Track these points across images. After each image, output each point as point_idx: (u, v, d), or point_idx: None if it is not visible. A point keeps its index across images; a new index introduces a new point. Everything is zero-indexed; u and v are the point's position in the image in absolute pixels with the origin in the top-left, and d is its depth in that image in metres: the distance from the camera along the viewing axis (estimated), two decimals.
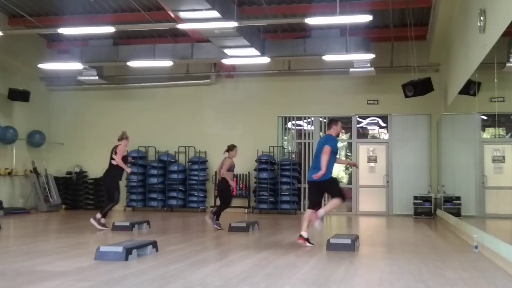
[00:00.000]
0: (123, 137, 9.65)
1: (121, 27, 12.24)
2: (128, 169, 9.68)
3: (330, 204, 7.37)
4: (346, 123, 15.77)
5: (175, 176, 15.09)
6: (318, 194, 7.53)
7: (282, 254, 6.58)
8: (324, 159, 7.20)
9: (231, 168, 9.69)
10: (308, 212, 7.48)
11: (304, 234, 7.36)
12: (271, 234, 9.23)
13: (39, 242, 7.80)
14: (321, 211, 7.27)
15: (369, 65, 12.70)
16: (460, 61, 9.37)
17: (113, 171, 9.53)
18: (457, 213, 10.42)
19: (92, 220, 9.30)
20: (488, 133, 9.32)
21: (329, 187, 7.44)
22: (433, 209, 13.38)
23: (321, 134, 15.26)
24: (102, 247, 5.91)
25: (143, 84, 15.77)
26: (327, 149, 7.20)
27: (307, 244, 7.30)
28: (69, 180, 15.73)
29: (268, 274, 5.13)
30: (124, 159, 9.61)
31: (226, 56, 12.48)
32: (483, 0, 6.87)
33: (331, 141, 7.37)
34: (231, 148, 9.76)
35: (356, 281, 4.95)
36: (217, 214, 9.68)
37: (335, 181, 7.60)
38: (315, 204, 7.44)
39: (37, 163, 14.92)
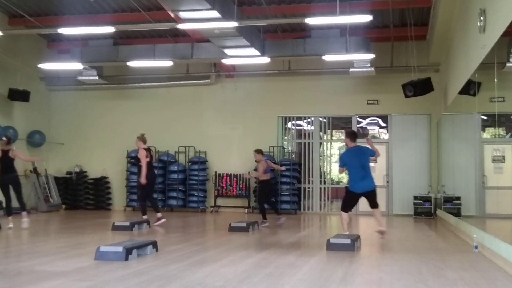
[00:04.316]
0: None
1: (121, 27, 12.24)
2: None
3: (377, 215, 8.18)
4: (346, 123, 15.77)
5: (175, 176, 15.09)
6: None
7: (282, 254, 6.59)
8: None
9: (266, 170, 10.87)
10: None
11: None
12: (271, 234, 9.23)
13: (39, 242, 7.80)
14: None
15: (369, 65, 12.69)
16: (460, 61, 9.36)
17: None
18: (457, 213, 10.42)
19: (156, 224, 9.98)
20: (488, 133, 9.33)
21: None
22: (433, 209, 13.37)
23: (321, 134, 15.29)
24: (102, 247, 5.91)
25: (143, 84, 15.77)
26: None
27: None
28: (69, 180, 15.73)
29: (268, 274, 5.13)
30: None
31: (226, 56, 12.48)
32: (483, 0, 6.87)
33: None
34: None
35: (356, 281, 4.95)
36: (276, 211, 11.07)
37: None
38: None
39: (37, 163, 14.90)
